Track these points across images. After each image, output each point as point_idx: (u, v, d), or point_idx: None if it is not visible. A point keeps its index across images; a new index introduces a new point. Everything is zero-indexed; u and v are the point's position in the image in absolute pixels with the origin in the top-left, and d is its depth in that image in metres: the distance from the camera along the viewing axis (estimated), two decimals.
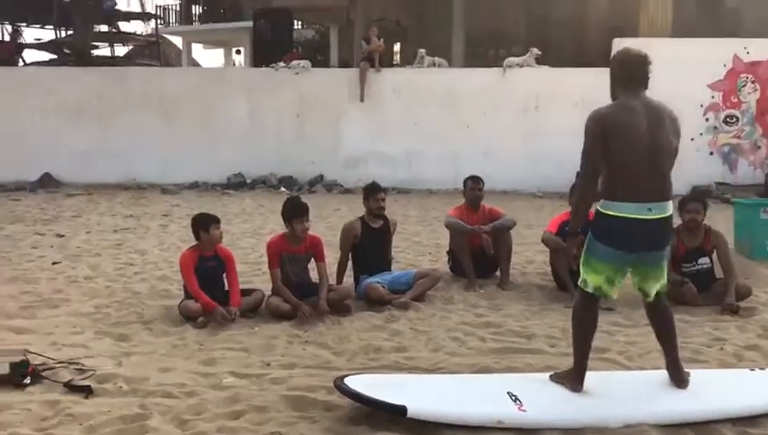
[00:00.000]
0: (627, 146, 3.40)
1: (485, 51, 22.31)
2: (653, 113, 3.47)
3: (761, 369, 4.05)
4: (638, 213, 3.41)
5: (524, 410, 3.34)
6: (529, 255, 7.65)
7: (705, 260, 5.79)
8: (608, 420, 3.31)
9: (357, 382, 3.51)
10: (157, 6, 27.94)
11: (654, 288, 3.62)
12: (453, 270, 6.71)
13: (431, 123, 14.59)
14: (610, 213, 3.46)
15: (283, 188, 14.23)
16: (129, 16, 22.92)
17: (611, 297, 3.71)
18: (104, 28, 22.64)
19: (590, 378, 3.68)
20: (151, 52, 26.69)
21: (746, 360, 4.38)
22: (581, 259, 3.62)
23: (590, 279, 3.57)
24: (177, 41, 31.50)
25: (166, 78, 16.59)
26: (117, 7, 19.58)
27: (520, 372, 4.02)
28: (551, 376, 3.73)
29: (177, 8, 30.25)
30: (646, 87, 3.56)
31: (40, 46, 22.61)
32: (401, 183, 14.56)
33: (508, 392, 3.48)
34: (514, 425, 3.27)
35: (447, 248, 6.89)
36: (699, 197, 5.83)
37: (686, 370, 3.76)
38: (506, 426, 3.27)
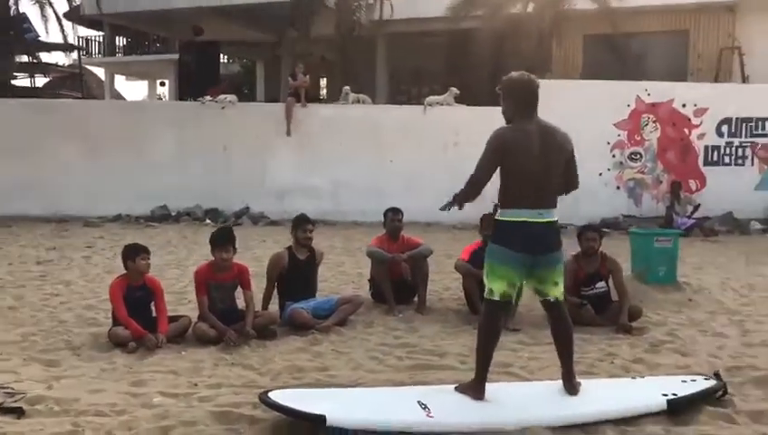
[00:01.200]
0: (521, 162, 3.90)
1: (409, 88, 23.14)
2: (545, 134, 3.97)
3: (641, 377, 4.57)
4: (530, 217, 3.91)
5: (432, 417, 3.71)
6: (446, 282, 8.09)
7: (601, 284, 6.35)
8: (505, 423, 3.71)
9: (280, 396, 3.81)
10: (79, 37, 27.65)
11: (552, 291, 4.05)
12: (374, 297, 7.06)
13: (356, 158, 15.05)
14: (506, 219, 3.95)
15: (208, 221, 14.33)
16: (50, 47, 22.64)
17: (512, 302, 4.09)
18: (24, 58, 22.29)
19: (493, 388, 4.10)
20: (73, 83, 26.36)
21: (632, 371, 4.88)
22: (485, 272, 4.03)
23: (495, 287, 3.98)
24: (100, 72, 31.17)
25: (91, 110, 16.52)
26: (39, 38, 19.31)
27: (431, 386, 4.39)
28: (456, 387, 4.11)
29: (101, 39, 30.02)
30: (536, 109, 4.04)
31: None
32: (327, 215, 14.89)
33: (418, 402, 3.85)
34: (423, 430, 3.64)
35: (369, 276, 7.25)
36: (595, 227, 6.40)
37: (578, 380, 4.22)
38: (415, 431, 3.62)
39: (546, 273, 4.03)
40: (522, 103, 4.03)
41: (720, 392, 4.20)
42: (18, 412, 3.89)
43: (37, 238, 11.74)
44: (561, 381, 4.18)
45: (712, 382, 4.26)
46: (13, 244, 11.04)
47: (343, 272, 9.03)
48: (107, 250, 10.46)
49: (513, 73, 4.14)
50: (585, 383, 4.27)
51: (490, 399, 3.97)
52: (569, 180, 4.11)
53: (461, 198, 4.06)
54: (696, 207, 14.01)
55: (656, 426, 3.81)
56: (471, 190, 4.00)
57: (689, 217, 13.78)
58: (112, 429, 3.71)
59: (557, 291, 4.08)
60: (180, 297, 7.17)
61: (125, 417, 3.88)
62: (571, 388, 4.12)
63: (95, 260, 9.62)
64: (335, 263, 9.79)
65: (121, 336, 5.28)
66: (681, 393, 4.08)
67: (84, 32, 28.50)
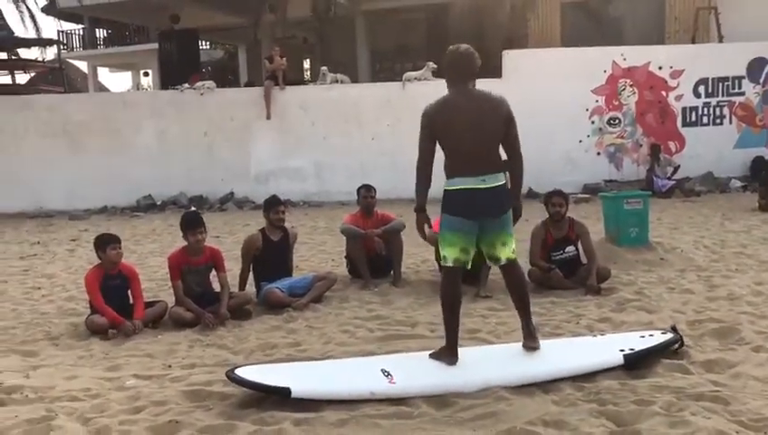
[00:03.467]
0: (451, 135, 4.02)
1: (392, 65, 23.09)
2: (475, 104, 4.05)
3: (601, 335, 4.69)
4: (473, 184, 4.02)
5: (394, 383, 3.83)
6: (425, 255, 8.17)
7: (571, 248, 6.46)
8: (466, 385, 3.83)
9: (247, 372, 3.92)
10: (59, 32, 27.51)
11: (502, 252, 4.15)
12: (351, 273, 7.17)
13: (338, 137, 15.09)
14: (451, 188, 4.08)
15: (193, 208, 14.38)
16: (27, 43, 22.52)
17: (467, 266, 4.18)
18: (3, 56, 22.23)
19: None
20: (55, 77, 26.24)
21: (597, 330, 5.00)
22: (439, 240, 4.15)
23: (448, 253, 4.10)
24: (83, 65, 31.02)
25: (70, 104, 16.47)
26: (15, 35, 19.20)
27: (397, 354, 4.50)
28: (430, 355, 4.21)
29: (81, 32, 29.82)
30: (472, 79, 4.10)
31: None
32: (311, 196, 15.02)
33: (382, 369, 3.96)
34: (385, 396, 3.75)
35: (345, 253, 7.35)
36: (561, 192, 6.47)
37: (540, 341, 4.33)
38: (378, 397, 3.74)
39: (493, 236, 4.13)
40: (450, 74, 4.13)
41: (677, 345, 4.33)
42: None
43: (21, 234, 11.81)
44: (522, 343, 4.30)
45: (668, 336, 4.38)
46: None
47: (324, 251, 9.13)
48: (92, 242, 10.50)
49: (452, 47, 4.21)
50: (548, 344, 4.39)
51: None
52: (509, 148, 4.16)
53: (418, 195, 4.15)
54: (676, 169, 14.12)
55: (612, 380, 3.91)
56: (419, 175, 4.12)
57: (669, 178, 13.89)
58: (85, 412, 3.82)
59: (507, 251, 4.17)
60: (162, 284, 7.25)
61: (98, 400, 3.99)
62: (530, 347, 4.23)
63: (79, 253, 9.70)
64: (317, 242, 9.90)
65: (98, 324, 5.39)
66: (638, 348, 4.20)
67: (65, 26, 28.36)
